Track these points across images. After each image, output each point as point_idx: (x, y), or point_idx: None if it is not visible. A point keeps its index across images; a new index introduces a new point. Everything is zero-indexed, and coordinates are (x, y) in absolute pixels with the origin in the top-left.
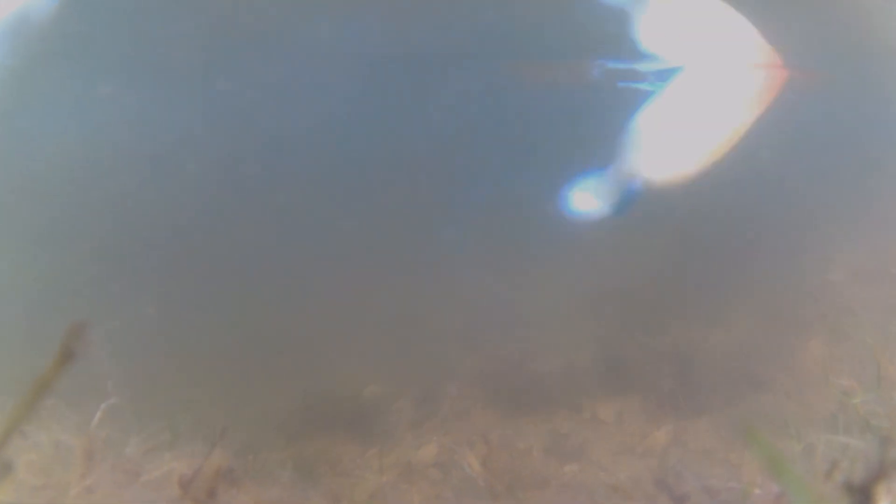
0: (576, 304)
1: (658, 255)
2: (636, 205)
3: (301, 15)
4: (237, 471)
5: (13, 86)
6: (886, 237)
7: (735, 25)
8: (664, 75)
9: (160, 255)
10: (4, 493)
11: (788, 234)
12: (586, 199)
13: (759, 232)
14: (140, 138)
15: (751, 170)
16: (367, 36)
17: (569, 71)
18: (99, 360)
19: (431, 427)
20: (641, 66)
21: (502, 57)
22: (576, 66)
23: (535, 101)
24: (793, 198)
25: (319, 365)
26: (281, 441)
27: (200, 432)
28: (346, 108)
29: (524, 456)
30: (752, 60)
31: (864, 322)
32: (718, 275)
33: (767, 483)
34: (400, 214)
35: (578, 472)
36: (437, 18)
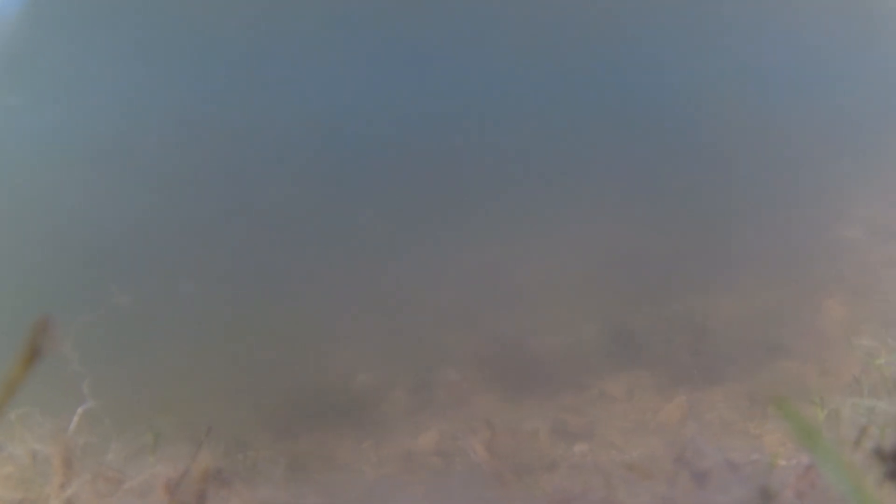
0: (577, 275)
1: (662, 220)
2: None
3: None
4: (226, 471)
5: None
6: None
7: None
8: None
9: (134, 244)
10: None
11: (801, 189)
12: None
13: (769, 188)
14: (120, 131)
15: (759, 122)
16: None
17: None
18: (72, 359)
19: (429, 414)
20: None
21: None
22: None
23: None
24: (804, 151)
25: (305, 355)
26: (270, 437)
27: (184, 433)
28: (328, 97)
29: (530, 438)
30: None
31: (885, 279)
32: (728, 237)
33: (792, 454)
34: (384, 191)
35: (589, 452)
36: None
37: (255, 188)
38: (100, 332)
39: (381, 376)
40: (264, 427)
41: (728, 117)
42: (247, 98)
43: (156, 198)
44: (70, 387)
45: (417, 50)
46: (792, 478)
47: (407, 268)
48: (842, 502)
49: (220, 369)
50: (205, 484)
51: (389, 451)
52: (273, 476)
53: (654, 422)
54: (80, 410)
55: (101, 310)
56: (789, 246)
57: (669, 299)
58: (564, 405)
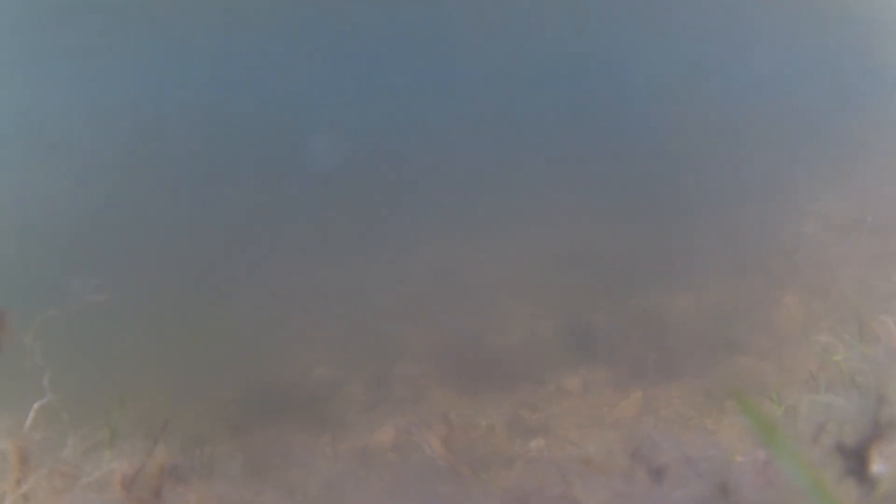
0: (535, 271)
1: (619, 217)
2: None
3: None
4: (183, 467)
5: None
6: (859, 185)
7: None
8: None
9: (98, 239)
10: None
11: (757, 186)
12: None
13: (726, 185)
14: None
15: (714, 119)
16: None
17: None
18: (31, 353)
19: (386, 410)
20: None
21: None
22: None
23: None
24: (760, 147)
25: (262, 350)
26: (227, 432)
27: (140, 428)
28: (288, 93)
29: (487, 434)
30: None
31: (842, 275)
32: (684, 233)
33: (749, 450)
34: (341, 188)
35: (545, 447)
36: None
37: (213, 185)
38: (59, 327)
39: (339, 371)
40: (221, 422)
41: (683, 115)
42: (205, 94)
43: (118, 195)
44: (27, 382)
45: (378, 49)
46: (750, 473)
47: (365, 264)
48: (799, 497)
49: (177, 364)
50: (161, 479)
51: (346, 446)
52: (230, 471)
53: (610, 417)
54: (36, 406)
55: (61, 305)
56: (746, 242)
57: (627, 295)
58: (521, 400)
